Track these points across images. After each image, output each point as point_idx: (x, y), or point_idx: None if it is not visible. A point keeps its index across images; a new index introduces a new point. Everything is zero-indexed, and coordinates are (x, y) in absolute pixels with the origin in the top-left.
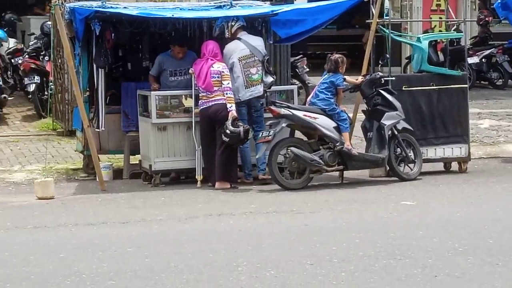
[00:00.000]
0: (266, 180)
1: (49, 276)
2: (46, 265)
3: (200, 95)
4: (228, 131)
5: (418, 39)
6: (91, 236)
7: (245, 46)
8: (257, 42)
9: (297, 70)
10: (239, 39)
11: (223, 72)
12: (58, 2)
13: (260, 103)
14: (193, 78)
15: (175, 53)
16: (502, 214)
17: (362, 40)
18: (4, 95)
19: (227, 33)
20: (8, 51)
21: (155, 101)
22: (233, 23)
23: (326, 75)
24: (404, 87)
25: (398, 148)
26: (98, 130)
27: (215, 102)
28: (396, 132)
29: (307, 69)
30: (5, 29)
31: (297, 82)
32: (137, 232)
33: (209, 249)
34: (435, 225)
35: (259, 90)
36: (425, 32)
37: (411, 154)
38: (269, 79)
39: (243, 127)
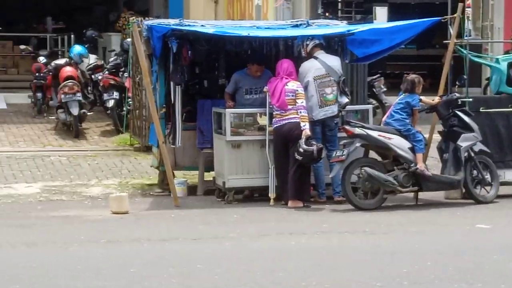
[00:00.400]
0: (341, 202)
1: None
2: (117, 280)
3: (274, 113)
4: (301, 150)
5: (497, 60)
6: (163, 252)
7: (320, 65)
8: (334, 62)
9: (374, 90)
10: (315, 58)
11: (297, 90)
12: (137, 20)
13: (334, 123)
14: (267, 96)
15: (252, 72)
16: None
17: (441, 60)
18: (84, 110)
19: (303, 51)
20: (89, 67)
21: (230, 119)
22: (308, 42)
23: (402, 95)
24: (482, 109)
25: (475, 170)
26: (174, 146)
27: (289, 121)
28: (472, 154)
29: (384, 89)
30: (86, 46)
31: (374, 102)
32: (208, 249)
33: (280, 268)
34: (510, 250)
35: (333, 110)
36: (506, 53)
37: (487, 177)
38: (344, 99)
39: (317, 146)
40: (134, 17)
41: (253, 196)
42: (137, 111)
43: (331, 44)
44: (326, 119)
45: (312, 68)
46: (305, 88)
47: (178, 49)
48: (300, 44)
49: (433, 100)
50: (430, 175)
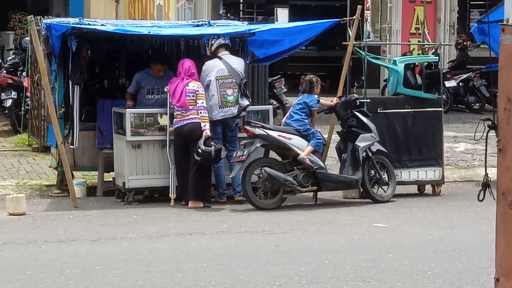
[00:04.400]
0: (242, 201)
1: None
2: (12, 282)
3: (175, 113)
4: (200, 150)
5: (394, 62)
6: (60, 254)
7: (224, 66)
8: (237, 64)
9: (275, 90)
10: (219, 58)
11: (198, 91)
12: (35, 18)
13: (235, 123)
14: (168, 97)
15: (155, 71)
16: (473, 238)
17: (341, 61)
18: None
19: (208, 50)
20: None
21: (130, 119)
22: (213, 41)
23: (301, 96)
24: (379, 110)
25: (372, 170)
26: (72, 146)
27: (190, 121)
28: (370, 154)
29: (285, 90)
30: None
31: (275, 102)
32: (107, 250)
33: (178, 269)
34: (405, 248)
35: (232, 111)
36: (403, 55)
37: (385, 176)
38: (245, 102)
39: (215, 146)
40: (31, 16)
41: (153, 196)
42: (35, 111)
43: (232, 44)
44: (226, 119)
45: (215, 67)
46: (207, 87)
47: (77, 48)
48: (205, 43)
49: (331, 102)
50: (311, 165)
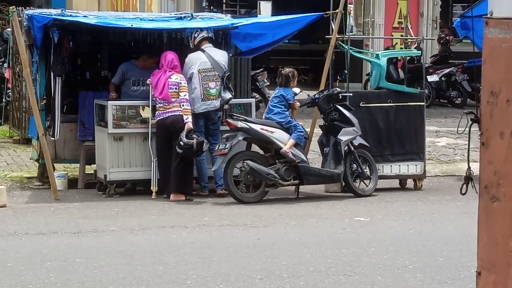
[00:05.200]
0: (224, 195)
1: None
2: None
3: (157, 106)
4: (181, 143)
5: (377, 56)
6: (41, 246)
7: (207, 59)
8: (220, 57)
9: (258, 84)
10: (202, 51)
11: (180, 83)
12: (17, 9)
13: (217, 116)
14: (150, 89)
15: (147, 64)
16: (454, 233)
17: (324, 55)
18: None
19: (191, 43)
20: None
21: (112, 111)
22: (196, 35)
23: (278, 89)
24: (362, 103)
25: (354, 164)
26: (53, 138)
27: (172, 114)
28: (352, 148)
29: (268, 83)
30: None
31: (257, 96)
32: (88, 243)
33: (160, 262)
34: (387, 242)
35: (214, 104)
36: (386, 49)
37: (366, 170)
38: (228, 95)
39: (197, 139)
40: (13, 7)
41: (135, 189)
42: (16, 102)
43: (215, 37)
44: (209, 112)
45: (198, 60)
46: (189, 79)
47: (59, 40)
48: (189, 36)
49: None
50: (294, 159)
